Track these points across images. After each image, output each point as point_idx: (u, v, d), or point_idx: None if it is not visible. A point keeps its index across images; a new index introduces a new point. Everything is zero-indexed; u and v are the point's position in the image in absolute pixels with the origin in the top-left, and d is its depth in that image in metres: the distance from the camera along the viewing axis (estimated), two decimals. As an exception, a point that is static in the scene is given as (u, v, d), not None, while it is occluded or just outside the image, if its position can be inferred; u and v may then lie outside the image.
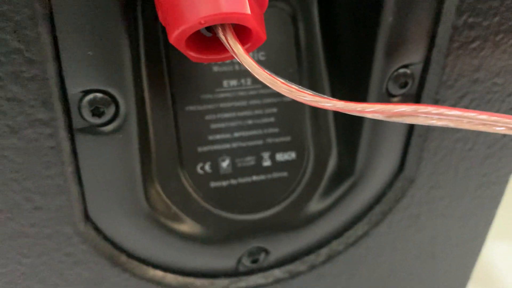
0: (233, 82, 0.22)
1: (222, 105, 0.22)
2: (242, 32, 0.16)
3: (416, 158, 0.23)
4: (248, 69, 0.16)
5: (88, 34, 0.16)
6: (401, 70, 0.21)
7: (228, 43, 0.16)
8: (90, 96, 0.17)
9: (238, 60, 0.16)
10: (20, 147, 0.17)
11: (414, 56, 0.21)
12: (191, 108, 0.22)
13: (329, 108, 0.16)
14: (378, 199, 0.24)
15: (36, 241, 0.19)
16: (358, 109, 0.16)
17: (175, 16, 0.15)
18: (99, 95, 0.18)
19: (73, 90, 0.17)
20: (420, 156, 0.23)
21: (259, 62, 0.23)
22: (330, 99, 0.16)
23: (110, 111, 0.18)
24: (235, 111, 0.23)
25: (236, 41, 0.16)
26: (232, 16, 0.15)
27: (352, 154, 0.23)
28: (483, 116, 0.17)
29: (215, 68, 0.22)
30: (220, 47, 0.17)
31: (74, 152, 0.18)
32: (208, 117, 0.22)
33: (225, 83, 0.22)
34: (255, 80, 0.23)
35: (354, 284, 0.26)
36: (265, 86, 0.23)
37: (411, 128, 0.23)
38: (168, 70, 0.21)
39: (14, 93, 0.16)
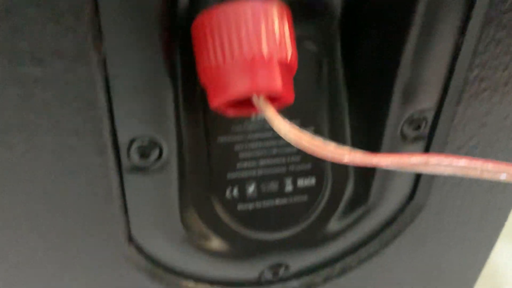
0: (261, 115, 0.25)
1: (250, 136, 0.25)
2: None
3: (426, 188, 0.25)
4: (275, 129, 0.18)
5: (138, 93, 0.18)
6: (416, 115, 0.23)
7: (260, 106, 0.18)
8: (138, 142, 0.20)
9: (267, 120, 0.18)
10: (77, 186, 0.20)
11: (428, 103, 0.22)
12: (222, 139, 0.24)
13: (349, 163, 0.18)
14: (389, 222, 0.27)
15: (88, 261, 0.22)
16: (374, 161, 0.19)
17: (216, 87, 0.17)
18: (145, 141, 0.20)
19: (124, 139, 0.20)
20: (430, 187, 0.25)
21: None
22: (350, 152, 0.18)
23: (154, 154, 0.20)
24: (262, 141, 0.25)
25: (268, 105, 0.18)
26: (266, 90, 0.17)
27: (367, 184, 0.25)
28: (488, 165, 0.19)
29: (245, 103, 0.24)
30: (253, 105, 0.19)
31: (122, 188, 0.21)
32: (237, 147, 0.25)
33: (253, 116, 0.25)
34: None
35: (364, 294, 0.29)
36: (289, 119, 0.25)
37: (422, 162, 0.25)
38: (203, 106, 0.24)
39: (73, 144, 0.19)
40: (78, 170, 0.19)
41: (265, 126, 0.25)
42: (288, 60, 0.18)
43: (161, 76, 0.19)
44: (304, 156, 0.25)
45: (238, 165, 0.25)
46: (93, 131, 0.19)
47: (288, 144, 0.25)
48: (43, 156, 0.19)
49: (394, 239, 0.27)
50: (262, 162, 0.25)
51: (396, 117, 0.23)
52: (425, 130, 0.23)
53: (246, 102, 0.20)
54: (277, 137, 0.25)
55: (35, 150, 0.18)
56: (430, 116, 0.23)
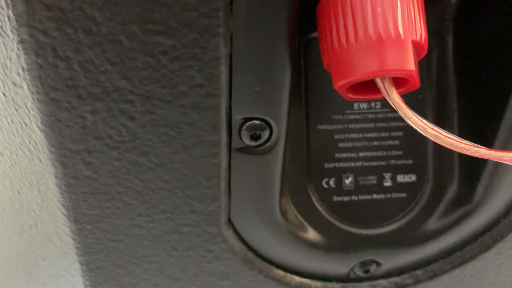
0: (364, 105, 0.24)
1: (351, 126, 0.24)
2: (398, 78, 0.18)
3: (535, 193, 0.24)
4: (401, 114, 0.17)
5: (259, 73, 0.18)
6: None
7: (385, 90, 0.17)
8: (250, 122, 0.20)
9: (391, 105, 0.17)
10: (189, 162, 0.20)
11: None
12: (322, 127, 0.24)
13: (470, 154, 0.17)
14: (490, 227, 0.25)
15: (186, 238, 0.22)
16: (498, 156, 0.17)
17: (343, 68, 0.17)
18: (257, 122, 0.20)
19: (237, 117, 0.19)
20: (539, 192, 0.24)
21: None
22: (472, 145, 0.17)
23: (264, 135, 0.20)
24: (363, 132, 0.24)
25: (393, 89, 0.17)
26: (397, 72, 0.16)
27: (473, 184, 0.24)
28: None
29: (348, 91, 0.24)
30: (374, 89, 0.19)
31: (229, 167, 0.21)
32: (337, 136, 0.24)
33: (356, 105, 0.24)
34: (384, 104, 0.24)
35: (454, 301, 0.28)
36: (393, 110, 0.24)
37: (535, 165, 0.23)
38: (306, 92, 0.23)
39: (192, 119, 0.19)
40: (191, 146, 0.19)
41: (367, 117, 0.24)
42: (422, 40, 0.17)
43: (283, 57, 0.18)
44: (406, 151, 0.24)
45: (337, 155, 0.24)
46: (211, 108, 0.18)
47: (389, 137, 0.24)
48: (162, 129, 0.19)
49: (494, 244, 0.25)
50: (362, 154, 0.24)
51: None
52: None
53: (365, 86, 0.19)
54: (379, 128, 0.24)
55: (155, 122, 0.18)
56: None
